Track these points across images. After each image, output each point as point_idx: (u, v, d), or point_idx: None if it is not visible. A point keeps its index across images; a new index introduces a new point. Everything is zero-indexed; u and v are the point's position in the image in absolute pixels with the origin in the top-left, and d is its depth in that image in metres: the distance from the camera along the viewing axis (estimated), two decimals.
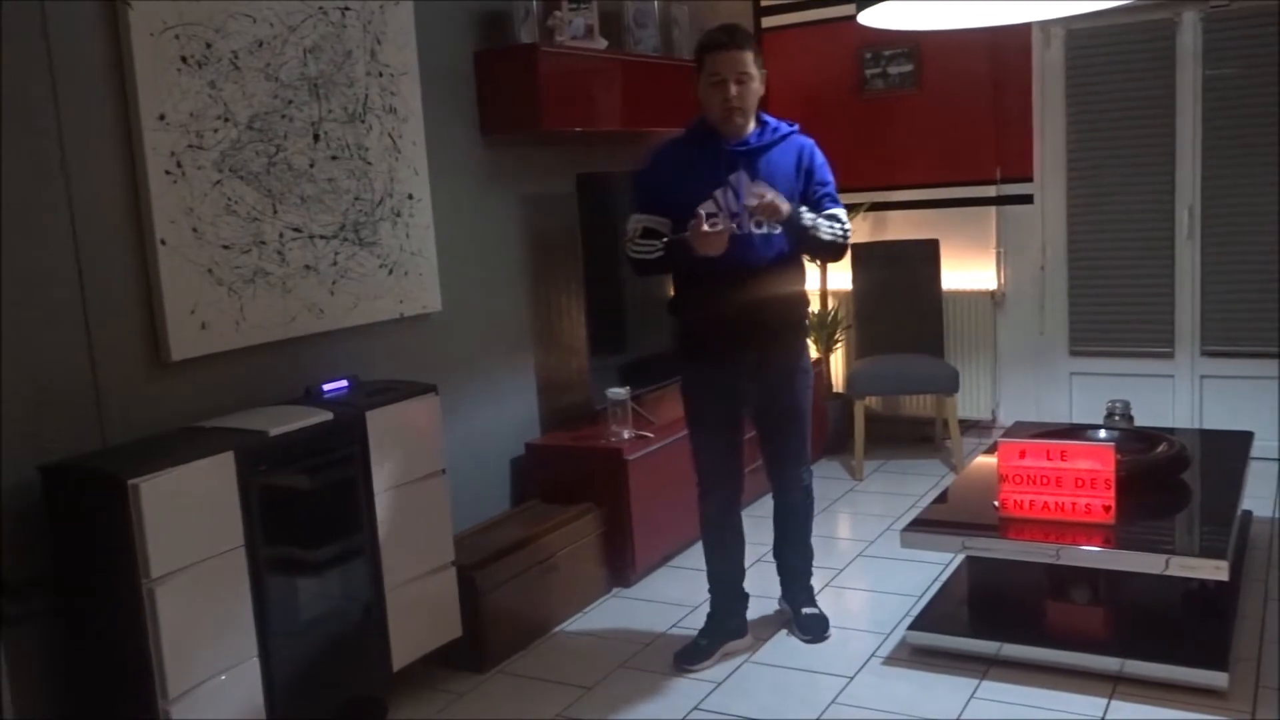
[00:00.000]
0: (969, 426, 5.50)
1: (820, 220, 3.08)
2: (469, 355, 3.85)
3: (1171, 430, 3.99)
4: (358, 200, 3.31)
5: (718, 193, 3.07)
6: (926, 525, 3.33)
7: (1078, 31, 5.08)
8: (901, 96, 5.42)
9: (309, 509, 2.81)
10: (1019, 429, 3.99)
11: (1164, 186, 5.00)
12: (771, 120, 3.19)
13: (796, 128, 3.22)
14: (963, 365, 5.34)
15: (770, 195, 2.97)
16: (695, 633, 3.43)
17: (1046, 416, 5.23)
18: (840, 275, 5.46)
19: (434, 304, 3.60)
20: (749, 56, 3.06)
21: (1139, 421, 3.83)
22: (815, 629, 3.43)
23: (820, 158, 3.20)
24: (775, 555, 3.56)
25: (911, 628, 3.31)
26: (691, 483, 4.24)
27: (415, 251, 3.52)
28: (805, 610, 3.48)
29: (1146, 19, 4.92)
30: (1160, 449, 3.46)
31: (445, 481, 3.19)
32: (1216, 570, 2.85)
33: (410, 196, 3.50)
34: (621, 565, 3.91)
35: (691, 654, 3.30)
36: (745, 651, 3.37)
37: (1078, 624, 3.26)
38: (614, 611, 3.74)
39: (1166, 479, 3.42)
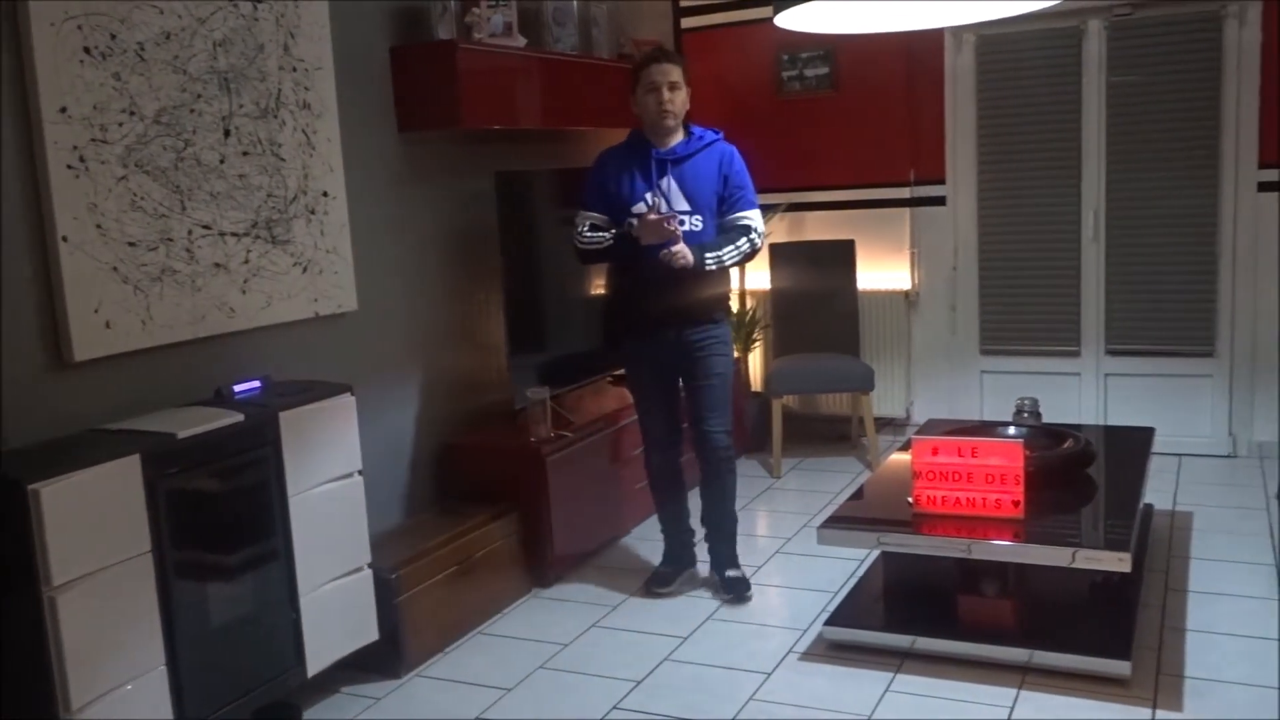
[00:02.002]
0: (884, 424, 5.59)
1: (725, 251, 3.55)
2: (386, 355, 3.80)
3: (1078, 427, 4.10)
4: (270, 197, 3.25)
5: (648, 195, 3.55)
6: (842, 522, 3.38)
7: (988, 38, 5.20)
8: (818, 98, 5.49)
9: (220, 513, 2.75)
10: (932, 426, 4.07)
11: (1070, 190, 5.14)
12: (698, 130, 3.65)
13: (720, 136, 3.67)
14: (878, 364, 5.43)
15: (679, 253, 3.45)
16: (619, 630, 3.48)
17: (959, 414, 5.35)
18: (758, 275, 5.51)
19: (350, 303, 3.55)
20: (678, 69, 3.59)
21: (1047, 418, 3.93)
22: (737, 589, 3.73)
23: (739, 163, 3.63)
24: (703, 521, 3.84)
25: (828, 623, 3.35)
26: (611, 481, 4.25)
27: (330, 249, 3.47)
28: (729, 573, 3.78)
29: (1054, 26, 5.06)
30: (1067, 445, 3.55)
31: (361, 483, 3.14)
32: (1120, 562, 2.94)
33: (325, 194, 3.45)
34: (541, 566, 3.89)
35: (659, 579, 3.81)
36: (700, 582, 3.85)
37: (989, 616, 3.34)
38: (533, 612, 3.73)
39: (1073, 474, 3.52)
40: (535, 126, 4.30)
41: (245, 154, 3.16)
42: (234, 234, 3.13)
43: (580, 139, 4.96)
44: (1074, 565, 2.99)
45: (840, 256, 5.39)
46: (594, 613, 3.68)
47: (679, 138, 3.62)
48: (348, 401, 3.09)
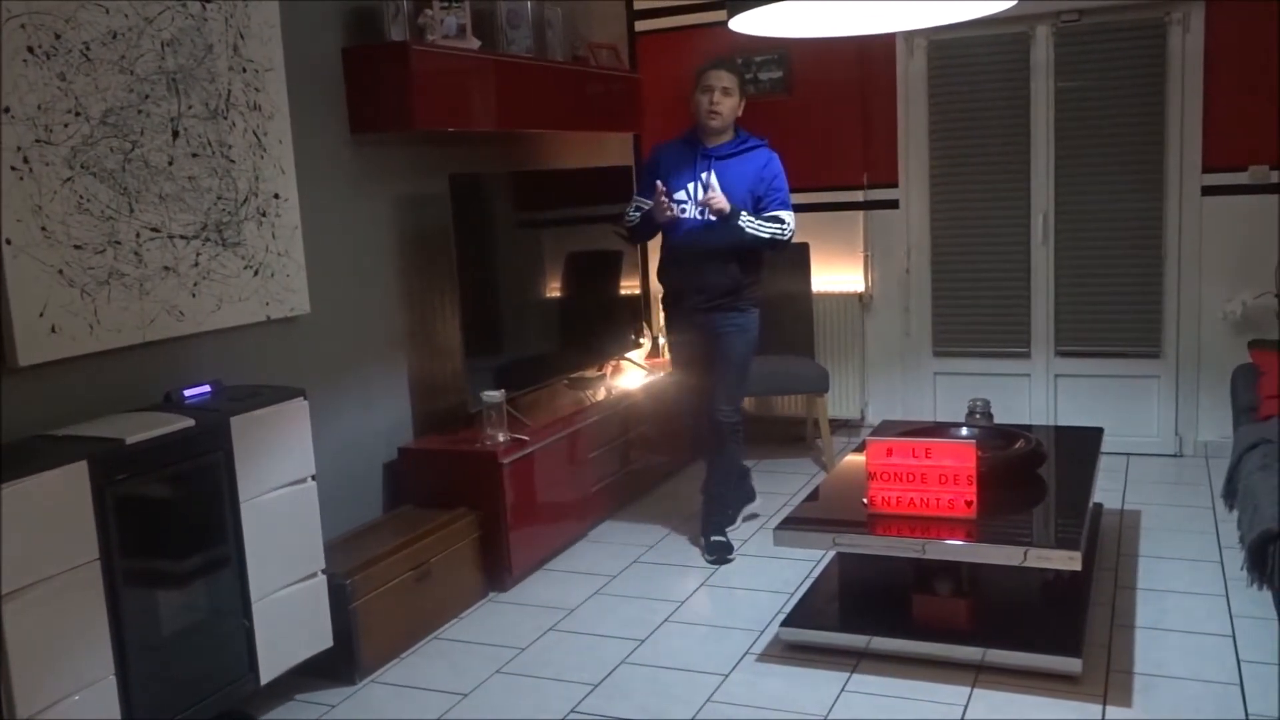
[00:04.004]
0: (839, 425, 5.63)
1: (759, 223, 3.95)
2: (339, 358, 3.77)
3: (1028, 427, 4.16)
4: (220, 199, 3.21)
5: (690, 185, 4.01)
6: (798, 523, 3.40)
7: (939, 42, 5.26)
8: (772, 102, 5.52)
9: (170, 519, 2.72)
10: (886, 427, 4.10)
11: (1020, 193, 5.22)
12: (744, 134, 4.10)
13: (765, 143, 4.09)
14: (833, 366, 5.47)
15: (717, 196, 3.89)
16: (576, 633, 3.50)
17: (912, 415, 5.40)
18: None
19: (302, 306, 3.52)
20: (734, 78, 4.03)
21: (998, 419, 3.98)
22: (718, 551, 4.09)
23: (776, 167, 4.06)
24: (702, 488, 4.25)
25: (784, 624, 3.37)
26: (569, 484, 4.26)
27: (282, 252, 3.44)
28: (714, 537, 4.15)
29: (1003, 32, 5.13)
30: (1018, 445, 3.60)
31: (315, 488, 3.12)
32: (1070, 561, 2.99)
33: (276, 196, 3.41)
34: (497, 570, 3.88)
35: (719, 525, 4.18)
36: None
37: (943, 616, 3.37)
38: (490, 616, 3.71)
39: (1024, 474, 3.57)
40: (490, 129, 4.29)
41: (194, 156, 3.12)
42: (183, 237, 3.09)
43: (535, 141, 4.96)
44: (1025, 564, 3.03)
45: (795, 259, 5.42)
46: (551, 616, 3.67)
47: (727, 138, 4.07)
48: (300, 406, 3.07)
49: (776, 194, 4.03)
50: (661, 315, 5.06)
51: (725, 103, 4.01)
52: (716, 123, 4.03)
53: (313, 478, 3.11)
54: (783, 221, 3.99)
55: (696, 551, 4.20)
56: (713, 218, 3.95)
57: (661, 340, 5.60)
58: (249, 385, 3.16)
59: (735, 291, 4.02)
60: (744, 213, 3.95)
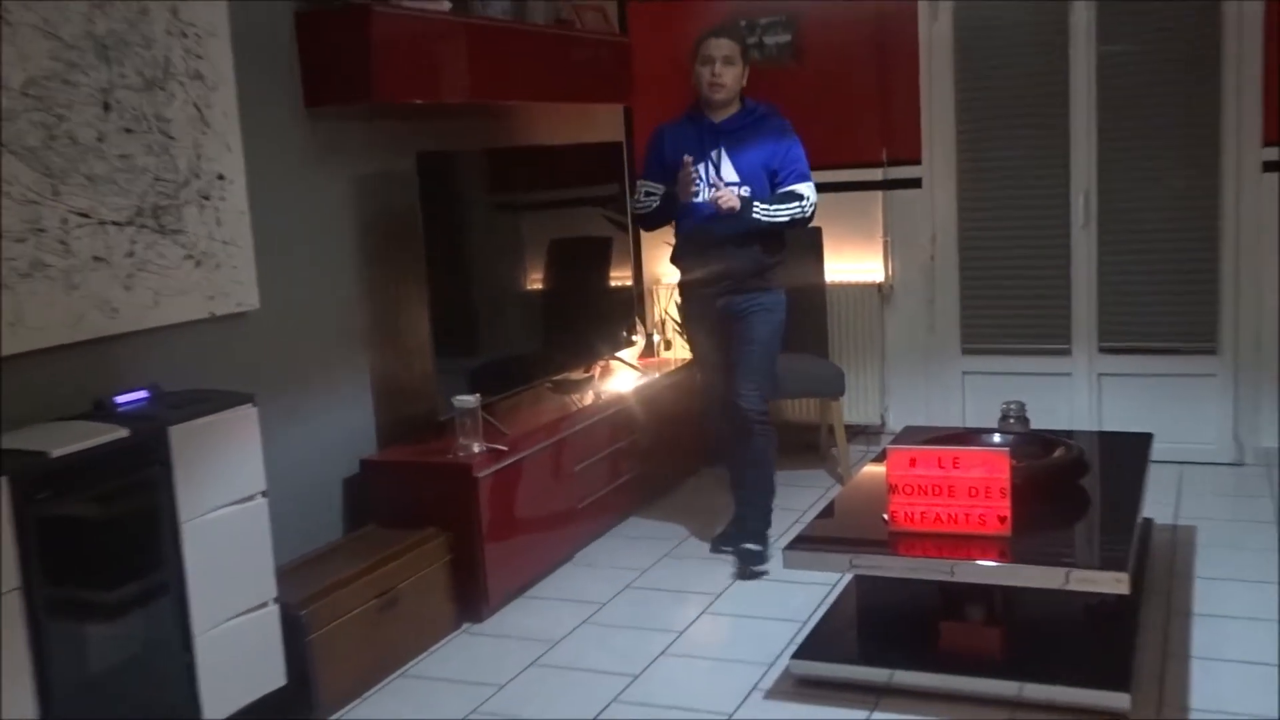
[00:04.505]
0: (856, 433, 5.63)
1: (775, 208, 4.09)
2: (293, 359, 3.76)
3: (1069, 433, 4.16)
4: (158, 180, 3.20)
5: (700, 165, 4.12)
6: (811, 543, 3.39)
7: (966, 3, 5.26)
8: (780, 70, 5.51)
9: (102, 542, 2.70)
10: (909, 434, 4.10)
11: (1059, 171, 5.22)
12: (751, 103, 4.20)
13: (775, 110, 4.21)
14: (848, 366, 5.46)
15: (725, 195, 4.02)
16: (562, 668, 3.49)
17: (938, 420, 5.40)
18: None
19: (250, 300, 3.50)
20: (735, 46, 4.12)
21: (1035, 424, 3.98)
22: (748, 561, 4.15)
23: (791, 138, 4.17)
24: (732, 488, 4.41)
25: (795, 656, 3.36)
26: (554, 501, 4.23)
27: (228, 240, 3.42)
28: (745, 544, 4.19)
29: None
30: (1057, 454, 3.59)
31: (265, 506, 3.10)
32: (1117, 583, 2.97)
33: (221, 176, 3.40)
34: (473, 598, 3.87)
35: (725, 539, 4.33)
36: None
37: (974, 645, 3.37)
38: (464, 650, 3.70)
39: (1064, 486, 3.56)
40: (462, 101, 4.28)
41: (128, 131, 3.10)
42: (116, 223, 3.07)
43: (514, 115, 4.95)
44: (1067, 587, 3.02)
45: (806, 246, 5.40)
46: (533, 649, 3.66)
47: (733, 110, 4.18)
48: (249, 413, 3.05)
49: (793, 167, 4.15)
50: (675, 307, 5.14)
51: (728, 73, 4.10)
52: (720, 96, 4.13)
53: (263, 494, 3.10)
54: (801, 197, 4.12)
55: (697, 575, 4.19)
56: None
57: (657, 338, 5.59)
58: (191, 390, 3.14)
59: (759, 274, 4.17)
60: (757, 202, 4.07)
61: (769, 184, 4.13)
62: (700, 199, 4.11)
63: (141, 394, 2.98)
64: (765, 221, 4.08)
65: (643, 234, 5.69)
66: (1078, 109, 5.15)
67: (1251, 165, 4.93)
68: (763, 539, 4.21)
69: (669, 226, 4.37)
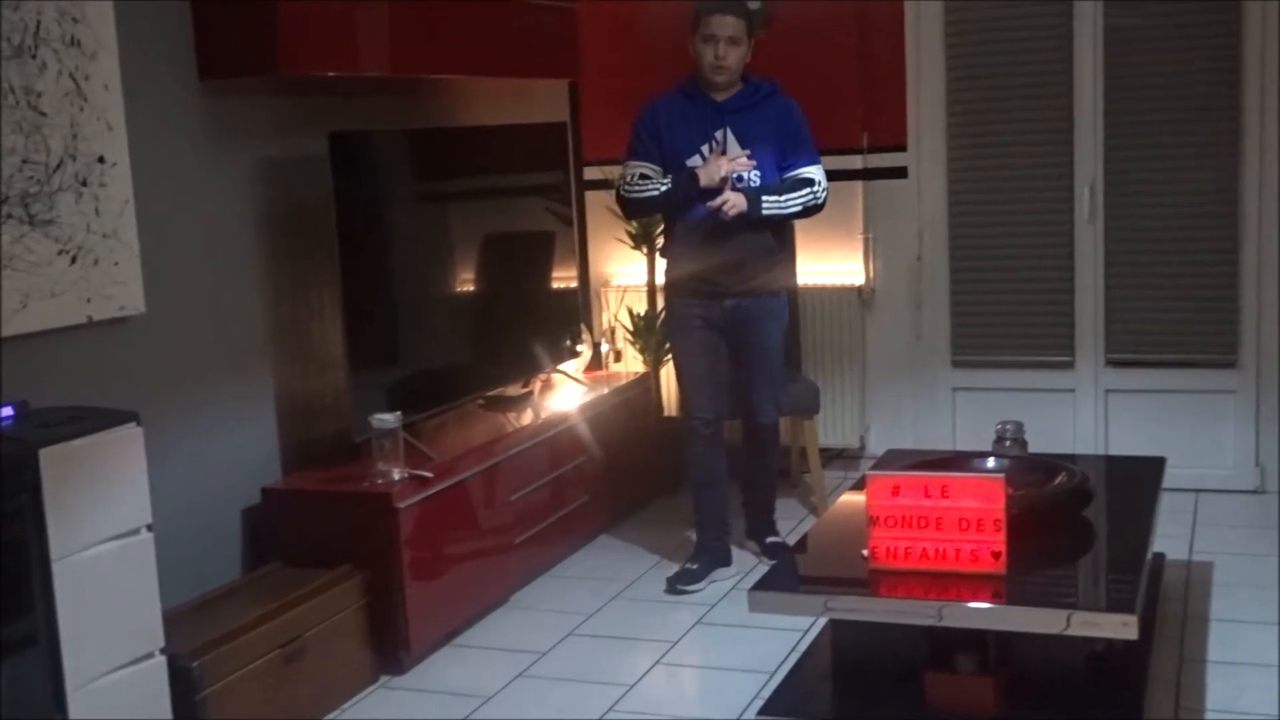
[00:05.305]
0: (833, 457, 5.66)
1: (784, 198, 4.30)
2: (184, 372, 3.74)
3: (1072, 457, 4.19)
4: (26, 164, 3.17)
5: (704, 148, 4.31)
6: (780, 582, 3.40)
7: None
8: None
9: None
10: (892, 459, 4.12)
11: (1061, 160, 5.29)
12: (754, 80, 4.40)
13: (778, 87, 4.42)
14: (824, 380, 5.50)
15: (731, 201, 4.18)
16: None
17: (925, 443, 5.44)
18: None
19: (135, 303, 3.48)
20: (741, 24, 4.29)
21: (1034, 446, 4.01)
22: (781, 554, 4.39)
23: (799, 117, 4.41)
24: (742, 490, 4.75)
25: (762, 712, 3.38)
26: (486, 535, 4.23)
27: (109, 233, 3.39)
28: (769, 539, 4.65)
29: None
30: (1059, 481, 3.62)
31: (152, 541, 3.08)
32: (1124, 628, 3.01)
33: (101, 159, 3.38)
34: (392, 646, 3.86)
35: (685, 577, 4.44)
36: (731, 578, 4.46)
37: (964, 699, 3.38)
38: (382, 706, 3.69)
39: (1066, 517, 3.59)
40: (382, 74, 4.28)
41: None
42: None
43: (442, 91, 4.95)
44: (1068, 632, 3.05)
45: None
46: (461, 705, 3.65)
47: (737, 88, 4.38)
48: (133, 434, 3.03)
49: (802, 149, 4.39)
50: (660, 311, 5.17)
51: (732, 54, 4.28)
52: (722, 78, 4.33)
53: (148, 528, 3.07)
54: (813, 182, 4.36)
55: (651, 620, 4.20)
56: (742, 181, 4.27)
57: (605, 347, 5.60)
58: (65, 407, 3.11)
59: (772, 269, 4.40)
60: (765, 196, 4.27)
61: (776, 168, 4.34)
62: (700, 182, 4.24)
63: (6, 411, 2.94)
64: (776, 215, 4.29)
65: (593, 226, 5.73)
66: (1082, 89, 5.22)
67: (1275, 154, 5.01)
68: (777, 529, 4.72)
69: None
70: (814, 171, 4.38)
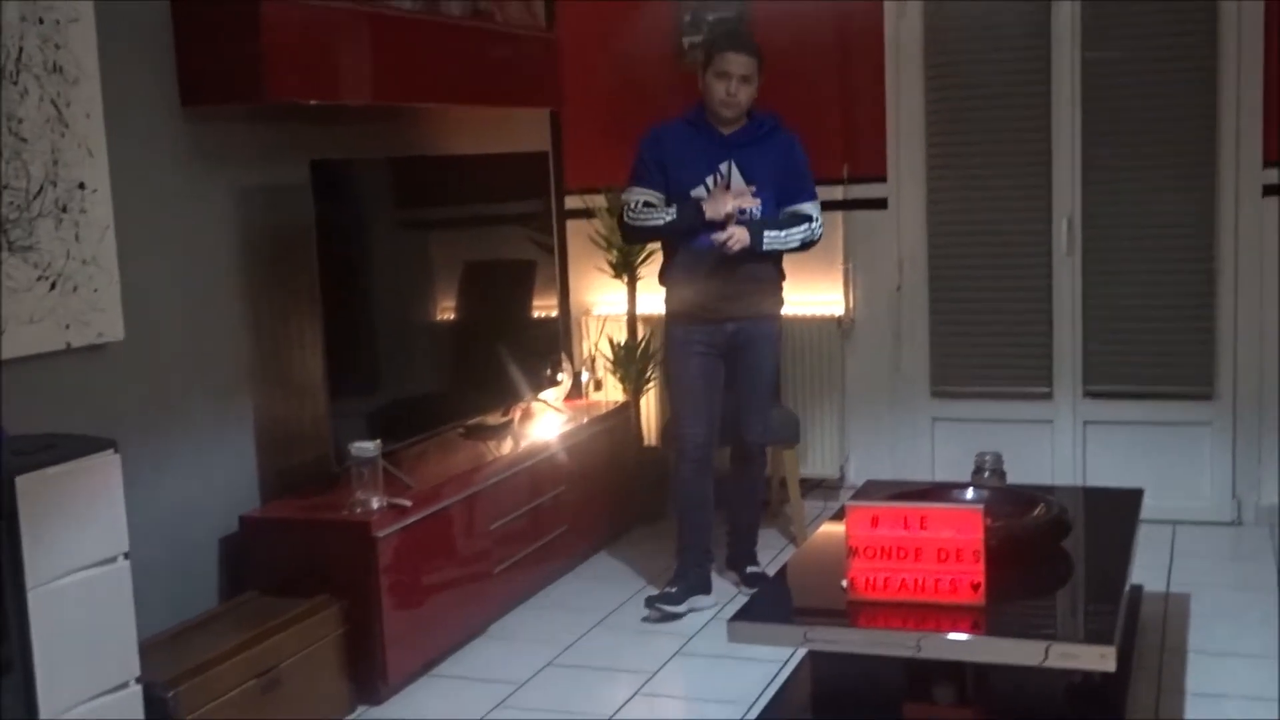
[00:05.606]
0: (812, 487, 5.67)
1: (785, 233, 4.43)
2: (163, 399, 3.73)
3: (1050, 488, 4.22)
4: (6, 189, 3.16)
5: (708, 179, 4.43)
6: (759, 613, 3.40)
7: (937, 0, 5.36)
8: None
9: None
10: (872, 489, 4.13)
11: (1039, 192, 5.33)
12: (758, 114, 4.52)
13: (779, 121, 4.56)
14: (804, 410, 5.51)
15: (736, 236, 4.30)
16: None
17: (904, 473, 5.46)
18: (652, 297, 5.51)
19: (114, 331, 3.47)
20: (754, 63, 4.41)
21: (1013, 477, 4.03)
22: (763, 584, 4.44)
23: (800, 154, 4.56)
24: (726, 516, 4.75)
25: None
26: (465, 565, 4.22)
27: (88, 260, 3.39)
28: (750, 569, 4.70)
29: None
30: (1037, 512, 3.64)
31: (128, 569, 3.06)
32: (1102, 659, 3.02)
33: (82, 186, 3.38)
34: (369, 676, 3.85)
35: (668, 598, 4.46)
36: (710, 609, 4.47)
37: None
38: None
39: (1045, 548, 3.61)
40: (365, 102, 4.29)
41: None
42: None
43: (424, 119, 4.96)
44: (1046, 664, 3.06)
45: None
46: None
47: (742, 122, 4.49)
48: (110, 461, 3.02)
49: (801, 182, 4.54)
50: (659, 337, 5.18)
51: (744, 92, 4.40)
52: (731, 114, 4.44)
53: (125, 556, 3.06)
54: (810, 219, 4.50)
55: (630, 650, 4.20)
56: (745, 214, 4.36)
57: (586, 376, 5.61)
58: (41, 434, 3.09)
59: (770, 293, 4.56)
60: (767, 230, 4.39)
61: (775, 202, 4.46)
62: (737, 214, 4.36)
63: None
64: (777, 250, 4.43)
65: (578, 254, 5.75)
66: (1060, 122, 5.27)
67: (1251, 188, 5.06)
68: (757, 559, 4.78)
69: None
70: (812, 208, 4.52)
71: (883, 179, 5.53)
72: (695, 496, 4.58)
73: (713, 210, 4.32)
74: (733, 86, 4.36)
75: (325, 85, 4.07)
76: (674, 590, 4.49)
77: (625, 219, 4.51)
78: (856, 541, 3.25)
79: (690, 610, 4.46)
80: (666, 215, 4.41)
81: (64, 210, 3.33)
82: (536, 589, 4.74)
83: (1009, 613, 3.22)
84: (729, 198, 4.34)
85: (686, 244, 4.43)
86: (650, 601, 4.47)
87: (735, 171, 4.43)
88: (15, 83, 3.19)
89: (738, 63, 4.36)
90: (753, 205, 4.37)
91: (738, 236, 4.30)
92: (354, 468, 3.90)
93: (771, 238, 4.39)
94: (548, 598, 4.73)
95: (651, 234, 4.55)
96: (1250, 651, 3.97)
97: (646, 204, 4.45)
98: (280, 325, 4.18)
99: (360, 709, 3.84)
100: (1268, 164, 5.03)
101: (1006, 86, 5.33)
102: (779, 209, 4.48)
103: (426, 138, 4.99)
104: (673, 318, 4.58)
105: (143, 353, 3.63)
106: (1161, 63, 5.13)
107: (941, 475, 5.37)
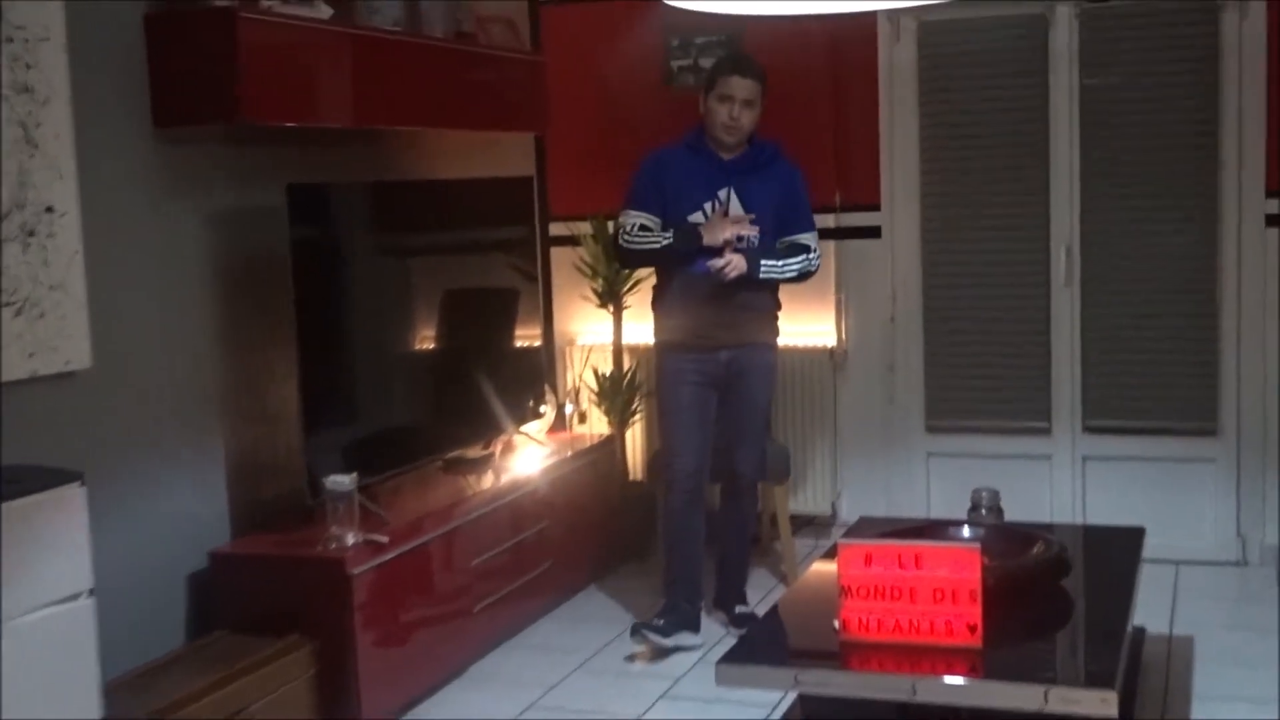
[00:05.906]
0: (804, 523, 5.65)
1: (782, 264, 4.48)
2: (131, 430, 3.72)
3: (1049, 526, 4.21)
4: None
5: (707, 205, 4.47)
6: (748, 655, 3.38)
7: (932, 25, 5.39)
8: None
9: None
10: (865, 527, 4.11)
11: (1036, 221, 5.34)
12: (759, 141, 4.57)
13: (780, 149, 4.61)
14: (795, 444, 5.50)
15: (734, 264, 4.35)
16: None
17: (898, 510, 5.44)
18: (638, 326, 5.51)
19: (81, 358, 3.45)
20: (758, 87, 4.46)
21: (1010, 514, 4.01)
22: (751, 625, 4.40)
23: (800, 184, 4.62)
24: (715, 552, 4.71)
25: None
26: (444, 602, 4.19)
27: (56, 285, 3.37)
28: (739, 609, 4.67)
29: (1014, 13, 5.28)
30: (1036, 550, 3.62)
31: (93, 607, 3.05)
32: (1103, 704, 2.99)
33: (50, 209, 3.36)
34: (343, 719, 3.80)
35: (653, 627, 4.43)
36: (697, 649, 4.45)
37: None
38: None
39: (1044, 588, 3.59)
40: (343, 125, 4.29)
41: None
42: None
43: (404, 143, 4.96)
44: (1046, 709, 3.04)
45: None
46: None
47: (743, 148, 4.53)
48: (75, 494, 3.01)
49: (799, 213, 4.59)
50: (646, 367, 5.19)
51: (746, 116, 4.45)
52: (732, 139, 4.49)
53: (90, 593, 3.04)
54: (809, 250, 4.56)
55: (614, 693, 4.17)
56: (742, 243, 4.41)
57: (570, 408, 5.59)
58: (5, 466, 3.08)
59: (767, 322, 4.60)
60: (764, 260, 4.43)
61: (773, 231, 4.50)
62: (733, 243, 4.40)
63: None
64: (774, 279, 4.48)
65: (564, 282, 5.74)
66: (1058, 149, 5.28)
67: (1254, 219, 5.07)
68: (746, 599, 4.75)
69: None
70: (810, 239, 4.57)
71: (876, 207, 5.54)
72: (686, 529, 4.56)
73: (711, 236, 4.36)
74: (735, 110, 4.40)
75: (302, 107, 4.06)
76: (662, 622, 4.46)
77: (621, 241, 4.53)
78: (849, 581, 3.23)
79: (676, 647, 4.43)
80: (663, 239, 4.44)
81: (31, 234, 3.31)
82: (518, 628, 4.71)
83: (1007, 655, 3.20)
84: (728, 224, 4.38)
85: (682, 269, 4.45)
86: (637, 629, 4.44)
87: (734, 198, 4.47)
88: None
89: (742, 87, 4.41)
90: (751, 233, 4.41)
91: (735, 263, 4.33)
92: (329, 502, 3.88)
93: (769, 266, 4.43)
94: (530, 637, 4.69)
95: (648, 258, 4.58)
96: (1256, 697, 3.95)
97: (643, 227, 4.47)
98: (254, 354, 4.17)
99: None
100: (1270, 193, 5.04)
101: (1003, 113, 5.35)
102: (776, 238, 4.51)
103: (407, 161, 4.99)
104: (665, 346, 4.59)
105: (111, 381, 3.62)
106: (1162, 89, 5.15)
107: (937, 512, 5.36)
